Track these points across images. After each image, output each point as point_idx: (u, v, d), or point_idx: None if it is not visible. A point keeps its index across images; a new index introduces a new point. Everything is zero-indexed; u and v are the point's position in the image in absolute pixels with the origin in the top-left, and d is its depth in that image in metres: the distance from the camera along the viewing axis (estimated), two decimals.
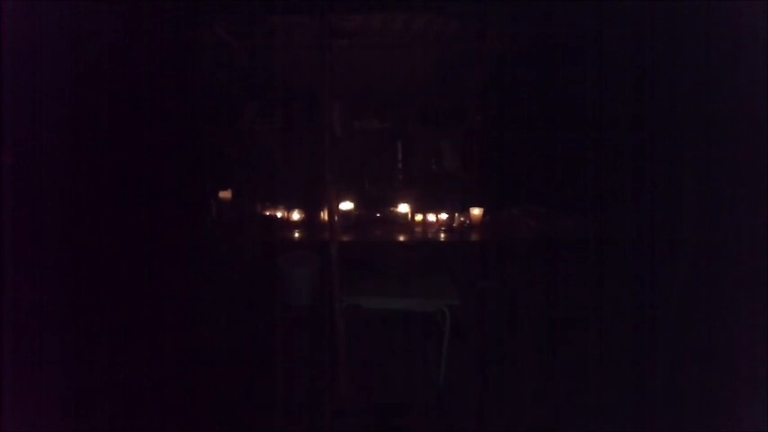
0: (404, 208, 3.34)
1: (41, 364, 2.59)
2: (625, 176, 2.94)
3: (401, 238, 3.20)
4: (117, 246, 2.86)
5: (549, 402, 2.83)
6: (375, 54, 3.38)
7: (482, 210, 3.33)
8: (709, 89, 2.60)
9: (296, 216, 3.32)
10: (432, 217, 3.32)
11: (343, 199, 3.31)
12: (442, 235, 3.24)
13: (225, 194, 3.30)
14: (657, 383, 2.69)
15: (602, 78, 2.99)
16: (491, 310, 3.20)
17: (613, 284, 2.91)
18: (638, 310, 2.79)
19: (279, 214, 3.33)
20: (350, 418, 2.75)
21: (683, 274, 2.67)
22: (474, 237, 3.25)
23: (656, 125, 2.81)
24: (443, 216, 3.32)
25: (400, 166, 3.40)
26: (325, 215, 3.22)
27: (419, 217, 3.32)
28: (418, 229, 3.29)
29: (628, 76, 2.89)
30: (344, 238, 3.19)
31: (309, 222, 3.34)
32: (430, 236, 3.23)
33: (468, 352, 3.08)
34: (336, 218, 3.19)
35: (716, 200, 2.58)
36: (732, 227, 2.52)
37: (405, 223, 3.31)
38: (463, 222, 3.32)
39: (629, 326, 2.81)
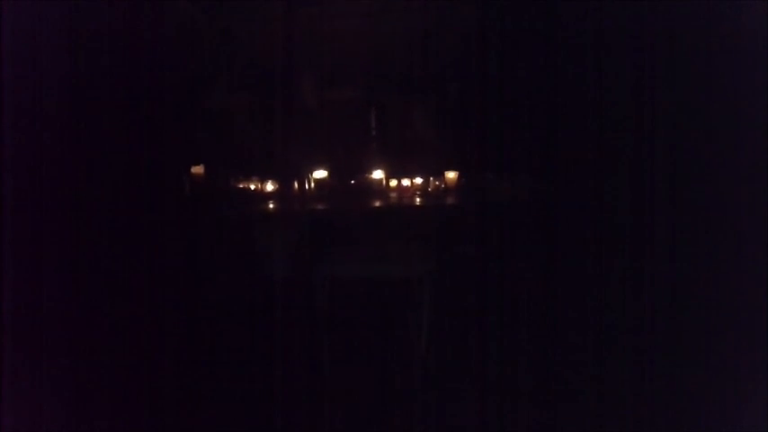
0: (378, 174, 3.34)
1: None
2: (611, 142, 2.92)
3: (376, 204, 3.21)
4: (85, 227, 2.85)
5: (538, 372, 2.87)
6: (345, 22, 3.33)
7: (457, 173, 3.33)
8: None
9: (269, 187, 3.30)
10: (406, 182, 3.32)
11: (317, 168, 3.29)
12: (417, 200, 3.26)
13: (197, 169, 3.28)
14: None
15: (589, 48, 2.96)
16: (471, 276, 3.20)
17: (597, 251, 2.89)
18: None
19: (252, 186, 3.31)
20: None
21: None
22: (449, 200, 3.26)
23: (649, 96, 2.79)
24: (418, 180, 3.33)
25: (374, 133, 3.38)
26: (298, 185, 3.23)
27: (393, 182, 3.32)
28: (393, 195, 3.30)
29: (620, 42, 2.87)
30: (318, 207, 3.20)
31: (283, 193, 3.32)
32: (405, 201, 3.24)
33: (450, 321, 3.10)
34: (310, 187, 3.20)
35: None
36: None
37: (379, 189, 3.31)
38: (438, 186, 3.32)
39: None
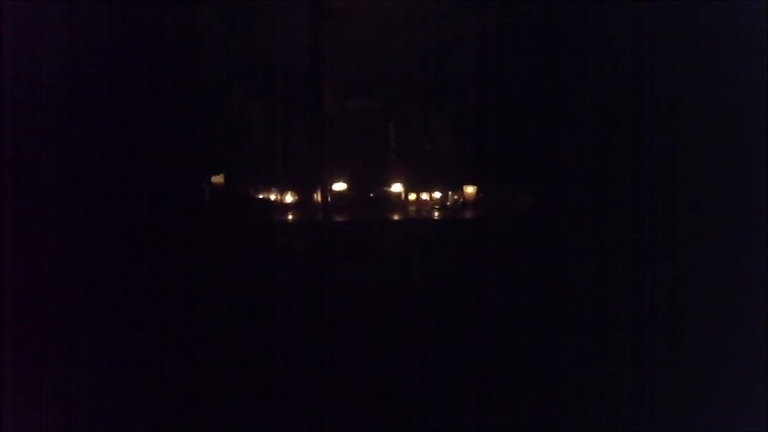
0: (397, 187, 3.35)
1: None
2: (624, 150, 2.92)
3: (395, 217, 3.23)
4: (105, 235, 2.86)
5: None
6: (367, 33, 3.33)
7: (475, 187, 3.34)
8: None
9: (289, 198, 3.31)
10: (425, 195, 3.33)
11: (337, 179, 3.30)
12: (436, 213, 3.27)
13: (217, 179, 3.28)
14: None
15: (603, 56, 2.97)
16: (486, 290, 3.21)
17: (613, 260, 2.87)
18: (638, 301, 2.78)
19: (272, 197, 3.32)
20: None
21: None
22: (467, 214, 3.28)
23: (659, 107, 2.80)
24: (437, 194, 3.34)
25: (393, 145, 3.39)
26: (318, 196, 3.24)
27: (413, 196, 3.33)
28: (412, 208, 3.31)
29: (630, 54, 2.87)
30: (338, 219, 3.21)
31: (303, 204, 3.32)
32: (424, 214, 3.26)
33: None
34: (330, 198, 3.21)
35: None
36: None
37: (398, 202, 3.32)
38: (457, 200, 3.34)
39: (628, 320, 2.80)
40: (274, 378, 2.94)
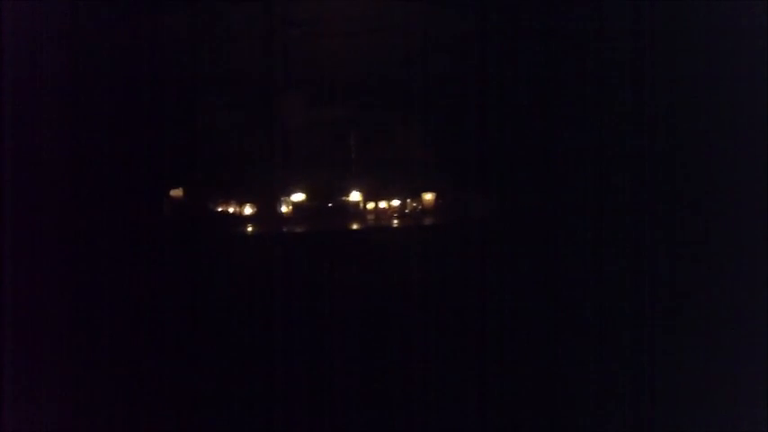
0: (355, 196, 3.36)
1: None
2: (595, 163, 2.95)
3: (353, 227, 3.25)
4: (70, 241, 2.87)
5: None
6: (331, 42, 3.33)
7: (434, 194, 3.37)
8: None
9: (248, 210, 3.32)
10: (383, 204, 3.35)
11: (296, 190, 3.32)
12: (395, 221, 3.30)
13: (177, 192, 3.29)
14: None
15: (574, 58, 2.99)
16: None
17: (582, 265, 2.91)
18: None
19: (231, 208, 3.33)
20: None
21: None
22: (426, 221, 3.30)
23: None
24: (395, 203, 3.36)
25: (353, 155, 3.40)
26: (277, 207, 3.26)
27: (371, 205, 3.35)
28: (371, 217, 3.33)
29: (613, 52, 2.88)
30: (294, 229, 3.23)
31: (262, 215, 3.34)
32: (382, 223, 3.28)
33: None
34: (288, 209, 3.23)
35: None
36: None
37: (357, 212, 3.34)
38: (415, 208, 3.36)
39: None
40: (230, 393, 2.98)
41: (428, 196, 3.36)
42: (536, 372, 2.92)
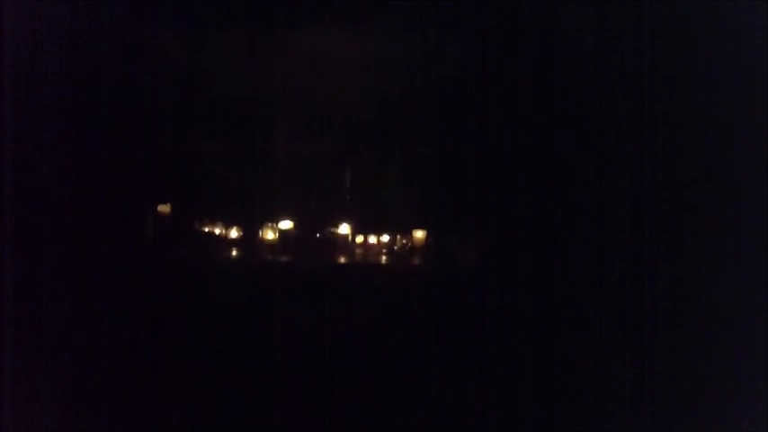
0: (344, 229, 3.29)
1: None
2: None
3: (340, 260, 3.19)
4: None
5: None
6: (324, 77, 3.23)
7: (425, 232, 3.29)
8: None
9: (234, 234, 3.26)
10: (372, 239, 3.28)
11: (283, 218, 3.25)
12: (383, 258, 3.22)
13: (164, 209, 3.24)
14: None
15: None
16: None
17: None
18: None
19: (217, 231, 3.28)
20: None
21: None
22: (415, 260, 3.23)
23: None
24: (385, 238, 3.29)
25: (343, 188, 3.33)
26: (263, 234, 3.20)
27: (360, 239, 3.28)
28: (359, 251, 3.26)
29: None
30: (282, 259, 3.17)
31: (247, 241, 3.28)
32: (370, 259, 3.21)
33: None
34: (274, 237, 3.17)
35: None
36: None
37: (344, 245, 3.27)
38: (405, 245, 3.29)
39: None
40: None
41: (419, 234, 3.28)
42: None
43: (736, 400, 2.52)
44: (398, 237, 3.28)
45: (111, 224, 3.01)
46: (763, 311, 2.49)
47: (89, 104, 2.95)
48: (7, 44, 2.65)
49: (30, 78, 2.77)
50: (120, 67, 2.97)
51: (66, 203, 2.91)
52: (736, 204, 2.60)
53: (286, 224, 3.25)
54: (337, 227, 3.29)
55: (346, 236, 3.28)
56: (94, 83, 2.96)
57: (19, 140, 2.78)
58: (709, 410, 2.54)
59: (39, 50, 2.78)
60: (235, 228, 3.28)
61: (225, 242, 3.25)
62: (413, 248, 3.26)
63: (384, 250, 3.25)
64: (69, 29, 2.86)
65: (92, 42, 2.92)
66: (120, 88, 3.00)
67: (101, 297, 2.89)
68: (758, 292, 2.51)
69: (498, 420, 2.84)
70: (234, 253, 3.20)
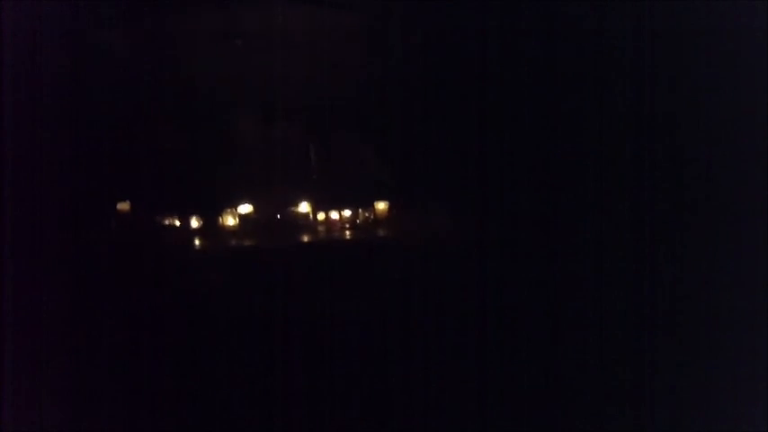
0: (304, 207, 3.26)
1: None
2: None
3: (302, 240, 3.16)
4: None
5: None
6: (279, 54, 3.20)
7: (387, 204, 3.25)
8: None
9: (195, 223, 3.23)
10: (335, 215, 3.24)
11: (243, 202, 3.22)
12: (347, 233, 3.20)
13: (123, 206, 3.21)
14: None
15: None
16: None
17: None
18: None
19: (178, 222, 3.24)
20: None
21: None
22: (380, 233, 3.20)
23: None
24: (347, 213, 3.25)
25: (312, 165, 3.30)
26: (225, 220, 3.17)
27: (321, 215, 3.25)
28: (321, 228, 3.23)
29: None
30: (245, 243, 3.15)
31: (210, 229, 3.25)
32: (334, 235, 3.18)
33: None
34: (236, 222, 3.15)
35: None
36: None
37: (306, 223, 3.24)
38: (368, 218, 3.25)
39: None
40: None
41: (381, 205, 3.25)
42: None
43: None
44: (360, 210, 3.26)
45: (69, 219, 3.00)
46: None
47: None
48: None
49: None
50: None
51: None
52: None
53: (246, 208, 3.23)
54: (297, 206, 3.26)
55: (307, 214, 3.25)
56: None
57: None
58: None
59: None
60: (193, 217, 3.25)
61: (184, 232, 3.23)
62: (376, 221, 3.24)
63: (347, 225, 3.23)
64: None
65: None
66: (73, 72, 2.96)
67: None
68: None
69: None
70: (195, 242, 3.17)
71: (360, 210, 3.25)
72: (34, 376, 2.67)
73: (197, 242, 3.16)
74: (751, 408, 2.49)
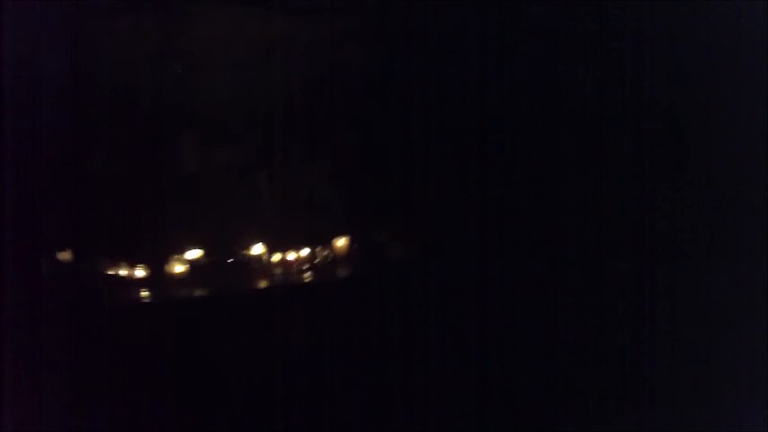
0: (258, 249, 3.00)
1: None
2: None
3: (257, 286, 2.93)
4: None
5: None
6: (225, 72, 2.91)
7: (347, 239, 3.02)
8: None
9: (139, 272, 2.96)
10: (291, 255, 3.01)
11: (190, 246, 2.96)
12: (306, 275, 2.97)
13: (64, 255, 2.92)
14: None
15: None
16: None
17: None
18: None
19: (122, 272, 2.97)
20: None
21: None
22: (339, 272, 2.98)
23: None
24: (304, 252, 3.02)
25: (266, 197, 3.03)
26: (171, 267, 2.91)
27: (276, 257, 3.00)
28: (278, 270, 2.99)
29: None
30: (194, 293, 2.91)
31: (155, 277, 2.99)
32: (290, 278, 2.95)
33: None
34: (183, 269, 2.93)
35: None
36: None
37: (260, 266, 3.00)
38: (327, 256, 3.02)
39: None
40: None
41: (340, 242, 3.03)
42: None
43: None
44: (318, 248, 3.02)
45: None
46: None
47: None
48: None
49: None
50: None
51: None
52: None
53: (193, 253, 2.97)
54: (250, 247, 3.01)
55: (260, 255, 3.01)
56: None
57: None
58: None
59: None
60: (138, 260, 2.97)
61: (127, 278, 2.96)
62: (335, 259, 3.02)
63: (305, 266, 3.00)
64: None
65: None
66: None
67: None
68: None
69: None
70: (137, 289, 2.91)
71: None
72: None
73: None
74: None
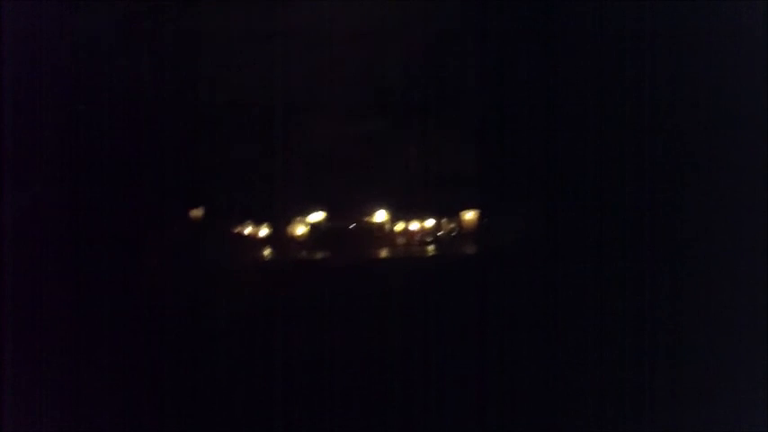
0: (381, 216, 2.88)
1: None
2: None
3: (377, 255, 2.81)
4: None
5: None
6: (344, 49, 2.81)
7: (477, 213, 2.80)
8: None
9: (263, 232, 2.96)
10: (414, 225, 2.84)
11: (312, 210, 2.90)
12: (428, 247, 2.80)
13: (196, 213, 3.01)
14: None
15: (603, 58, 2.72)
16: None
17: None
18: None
19: (246, 231, 2.99)
20: None
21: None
22: (466, 248, 2.78)
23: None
24: (429, 223, 2.84)
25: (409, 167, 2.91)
26: (293, 230, 2.88)
27: (400, 226, 2.86)
28: (400, 240, 2.85)
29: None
30: (316, 256, 2.85)
31: (277, 239, 2.98)
32: (412, 249, 2.80)
33: None
34: (305, 232, 2.89)
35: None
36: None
37: (382, 235, 2.87)
38: (452, 230, 2.83)
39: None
40: None
41: (468, 215, 2.82)
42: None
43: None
44: (444, 220, 2.84)
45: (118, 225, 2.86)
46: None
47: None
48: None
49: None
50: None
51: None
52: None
53: (317, 216, 2.91)
54: (371, 214, 2.89)
55: (383, 224, 2.88)
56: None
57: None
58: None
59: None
60: (263, 221, 2.98)
61: (249, 242, 2.98)
62: (462, 234, 2.82)
63: (427, 238, 2.83)
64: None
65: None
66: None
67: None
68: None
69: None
70: (261, 253, 2.92)
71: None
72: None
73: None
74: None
